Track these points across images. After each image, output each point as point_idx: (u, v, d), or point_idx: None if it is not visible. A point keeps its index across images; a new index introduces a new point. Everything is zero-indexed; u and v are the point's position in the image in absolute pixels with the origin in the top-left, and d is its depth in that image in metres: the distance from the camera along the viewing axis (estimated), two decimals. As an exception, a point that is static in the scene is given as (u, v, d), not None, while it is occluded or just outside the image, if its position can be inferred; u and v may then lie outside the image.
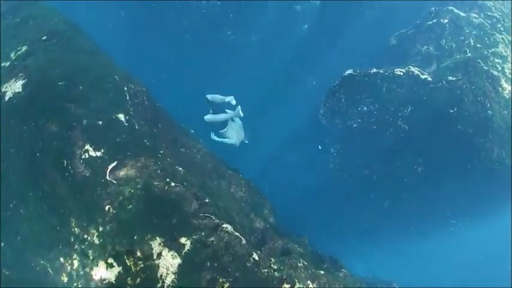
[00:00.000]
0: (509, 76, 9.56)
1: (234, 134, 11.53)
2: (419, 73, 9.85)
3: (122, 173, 6.85)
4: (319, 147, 12.47)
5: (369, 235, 13.25)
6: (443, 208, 11.10)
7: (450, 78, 9.59)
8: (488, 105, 9.19)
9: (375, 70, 10.29)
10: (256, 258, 6.76)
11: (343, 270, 8.69)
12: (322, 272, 7.47)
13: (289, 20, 14.18)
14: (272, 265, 6.77)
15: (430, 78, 9.76)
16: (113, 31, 14.22)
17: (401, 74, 9.95)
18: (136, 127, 7.37)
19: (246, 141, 12.34)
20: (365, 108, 10.44)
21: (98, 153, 6.83)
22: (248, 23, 14.03)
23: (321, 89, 12.39)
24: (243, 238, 6.97)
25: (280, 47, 14.17)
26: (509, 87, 9.38)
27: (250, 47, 14.34)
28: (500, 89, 9.37)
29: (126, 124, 7.25)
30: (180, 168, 7.79)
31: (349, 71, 10.56)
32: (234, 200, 8.67)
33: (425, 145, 10.11)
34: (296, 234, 10.14)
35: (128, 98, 7.71)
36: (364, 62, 11.95)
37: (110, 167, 6.84)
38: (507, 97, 9.29)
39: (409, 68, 9.97)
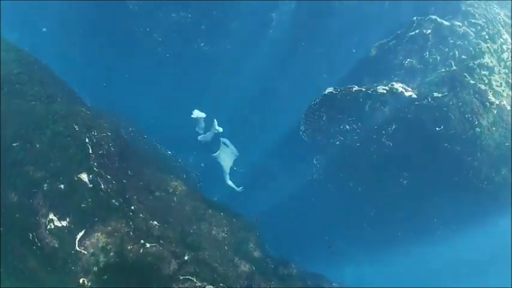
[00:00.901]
0: (497, 89, 9.18)
1: (227, 157, 12.29)
2: (404, 90, 9.38)
3: (92, 241, 6.27)
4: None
5: (357, 241, 13.15)
6: (430, 215, 10.91)
7: (436, 94, 9.17)
8: (476, 122, 8.84)
9: (356, 88, 9.77)
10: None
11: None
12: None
13: (264, 27, 13.49)
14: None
15: (414, 95, 9.31)
16: (80, 50, 13.42)
17: (385, 91, 9.46)
18: (102, 186, 6.71)
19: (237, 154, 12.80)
20: (347, 127, 10.00)
21: (64, 223, 6.23)
22: (221, 32, 13.31)
23: (300, 97, 11.95)
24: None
25: (256, 54, 13.53)
26: (497, 101, 9.02)
27: (225, 57, 13.70)
28: (488, 104, 9.01)
29: (91, 185, 6.59)
30: (155, 223, 7.24)
31: (330, 89, 9.99)
32: (216, 243, 8.17)
33: (411, 160, 9.80)
34: (283, 260, 9.87)
35: (90, 151, 6.99)
36: (343, 71, 11.45)
37: (79, 237, 6.27)
38: (495, 112, 8.94)
39: (393, 85, 9.49)
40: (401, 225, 11.49)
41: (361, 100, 9.73)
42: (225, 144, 12.65)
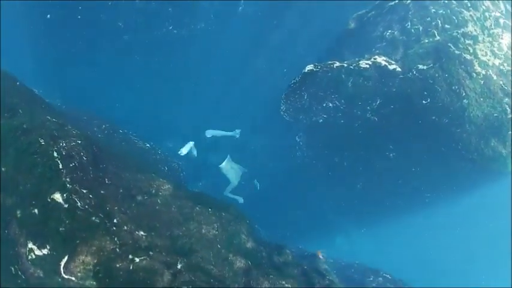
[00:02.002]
0: (483, 59, 8.93)
1: (233, 172, 12.60)
2: (387, 63, 9.02)
3: (77, 265, 5.89)
4: None
5: (347, 212, 13.27)
6: (417, 185, 10.96)
7: (421, 67, 8.84)
8: (464, 93, 8.60)
9: (338, 64, 9.34)
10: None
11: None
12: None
13: (234, 3, 12.78)
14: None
15: (399, 69, 8.98)
16: (40, 44, 12.49)
17: (368, 66, 9.08)
18: (79, 204, 6.21)
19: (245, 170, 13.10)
20: (330, 105, 9.64)
21: (45, 251, 5.79)
22: (190, 13, 12.55)
23: (279, 74, 11.57)
24: (227, 303, 6.41)
25: (229, 33, 12.92)
26: (483, 72, 8.79)
27: (195, 38, 13.05)
28: (474, 74, 8.74)
29: (66, 205, 6.10)
30: (142, 233, 6.86)
31: (310, 67, 9.53)
32: (208, 243, 7.89)
33: (397, 134, 9.63)
34: (277, 246, 9.80)
35: (60, 166, 6.44)
36: (321, 45, 10.99)
37: (63, 263, 5.86)
38: (482, 82, 8.73)
39: (375, 59, 9.10)
40: (389, 196, 11.56)
41: (343, 76, 9.34)
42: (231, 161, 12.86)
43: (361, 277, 10.20)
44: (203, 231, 8.07)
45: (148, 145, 11.19)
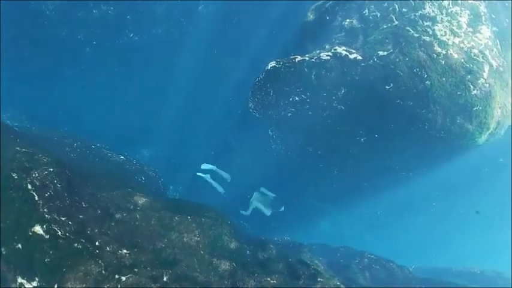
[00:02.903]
0: (442, 39, 9.49)
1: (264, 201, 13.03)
2: (347, 53, 9.55)
3: (67, 293, 6.42)
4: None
5: (328, 197, 13.95)
6: (391, 164, 11.60)
7: (381, 53, 9.38)
8: (425, 75, 9.15)
9: (299, 58, 9.83)
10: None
11: (319, 279, 9.01)
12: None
13: (193, 3, 13.05)
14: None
15: (359, 57, 9.51)
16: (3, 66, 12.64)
17: (329, 58, 9.60)
18: (60, 233, 6.69)
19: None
20: (297, 98, 10.15)
21: (34, 283, 6.27)
22: (149, 18, 12.80)
23: (244, 70, 11.97)
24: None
25: (188, 33, 13.22)
26: (444, 52, 9.36)
27: (157, 43, 13.32)
28: (435, 55, 9.29)
29: (47, 236, 6.57)
30: (125, 251, 7.37)
31: (272, 64, 10.01)
32: (191, 250, 8.42)
33: (365, 120, 10.20)
34: (261, 242, 10.39)
35: (37, 198, 6.89)
36: (284, 39, 11.42)
37: (54, 293, 6.38)
38: (443, 62, 9.32)
39: (336, 50, 9.61)
40: (365, 178, 12.24)
41: (306, 70, 9.85)
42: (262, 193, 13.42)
43: (347, 261, 10.90)
44: (185, 239, 8.60)
45: (122, 157, 11.54)
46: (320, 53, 9.77)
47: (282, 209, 13.97)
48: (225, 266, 8.45)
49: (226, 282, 8.01)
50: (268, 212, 13.43)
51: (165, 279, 7.19)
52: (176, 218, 8.88)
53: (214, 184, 13.93)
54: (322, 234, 14.35)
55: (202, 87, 14.24)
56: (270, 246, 9.89)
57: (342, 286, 8.47)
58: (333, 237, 14.19)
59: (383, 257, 11.39)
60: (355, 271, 10.10)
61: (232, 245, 9.51)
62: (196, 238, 8.76)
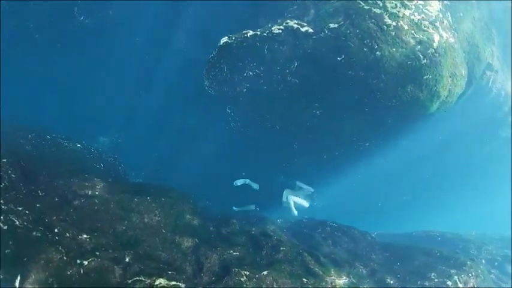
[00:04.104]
0: (392, 11, 10.09)
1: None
2: (299, 26, 10.07)
3: (31, 282, 6.74)
4: None
5: (293, 172, 14.62)
6: (349, 136, 12.27)
7: (332, 25, 9.93)
8: (376, 46, 9.76)
9: (251, 33, 10.29)
10: (202, 296, 7.50)
11: (281, 248, 9.69)
12: (265, 272, 8.37)
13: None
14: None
15: (311, 30, 10.04)
16: None
17: (280, 31, 10.10)
18: (17, 223, 7.09)
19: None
20: (250, 73, 10.63)
21: (-6, 275, 6.67)
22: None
23: (198, 48, 12.27)
24: (180, 283, 7.60)
25: (139, 12, 13.32)
26: (394, 23, 9.97)
27: (109, 24, 13.36)
28: (385, 27, 9.86)
29: (5, 227, 6.95)
30: (85, 236, 7.82)
31: (225, 39, 10.44)
32: (153, 230, 8.94)
33: (319, 92, 10.78)
34: (225, 218, 11.01)
35: (-8, 189, 7.24)
36: (237, 14, 11.75)
37: (17, 285, 6.72)
38: (393, 34, 9.96)
39: (287, 23, 10.11)
40: (325, 150, 12.99)
41: (258, 44, 10.33)
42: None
43: (310, 231, 11.69)
44: (146, 220, 9.11)
45: (79, 145, 11.81)
46: (272, 27, 10.25)
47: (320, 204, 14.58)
48: (187, 243, 9.01)
49: (189, 258, 8.56)
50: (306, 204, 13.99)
51: (127, 259, 7.66)
52: (135, 199, 9.34)
53: (252, 184, 14.35)
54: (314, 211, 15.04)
55: (156, 68, 14.44)
56: (233, 221, 10.54)
57: (304, 253, 9.25)
58: (303, 211, 14.88)
59: (345, 224, 12.25)
60: (318, 239, 10.89)
61: (195, 223, 10.09)
62: (157, 218, 9.27)
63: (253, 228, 10.49)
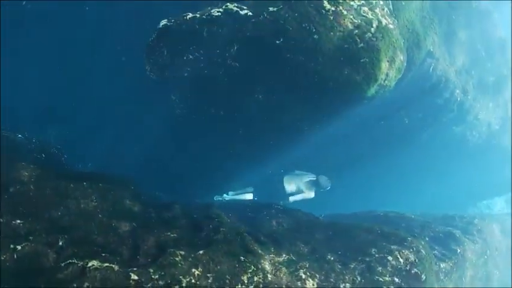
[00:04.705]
0: (332, -4, 10.42)
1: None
2: (238, 9, 10.30)
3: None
4: None
5: (239, 157, 14.91)
6: (291, 119, 12.64)
7: (271, 9, 10.20)
8: (314, 30, 10.12)
9: (190, 15, 10.45)
10: (136, 277, 7.69)
11: (221, 229, 9.92)
12: (201, 251, 8.59)
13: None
14: (153, 275, 7.78)
15: (250, 13, 10.30)
16: None
17: (220, 14, 10.32)
18: None
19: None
20: (191, 56, 10.80)
21: None
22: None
23: (138, 32, 12.28)
24: (114, 265, 7.75)
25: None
26: (333, 8, 10.30)
27: (47, 7, 13.18)
28: (324, 11, 10.21)
29: None
30: (18, 221, 7.87)
31: (164, 22, 10.54)
32: (89, 216, 9.01)
33: (260, 76, 11.06)
34: (167, 204, 11.17)
35: None
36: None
37: None
38: (332, 18, 10.34)
39: (227, 6, 10.31)
40: (270, 134, 13.35)
41: (197, 27, 10.51)
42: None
43: (255, 213, 12.03)
44: (82, 205, 9.18)
45: (20, 136, 11.67)
46: (211, 9, 10.45)
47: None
48: (125, 227, 9.17)
49: (126, 242, 8.72)
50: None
51: (60, 243, 7.74)
52: (72, 185, 9.37)
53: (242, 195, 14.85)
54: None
55: (98, 55, 14.36)
56: (175, 206, 10.71)
57: (245, 233, 9.54)
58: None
59: (290, 207, 12.67)
60: (262, 221, 11.24)
61: (136, 208, 10.23)
62: (93, 203, 9.36)
63: (196, 212, 10.70)
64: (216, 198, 15.98)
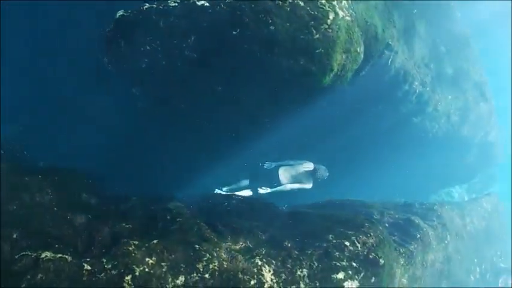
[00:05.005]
0: (290, -13, 10.40)
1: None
2: (195, 0, 10.27)
3: None
4: None
5: (202, 149, 14.88)
6: (252, 112, 12.76)
7: (228, 0, 10.25)
8: (270, 21, 10.12)
9: (147, 6, 10.36)
10: (89, 267, 7.62)
11: (178, 219, 9.81)
12: (155, 241, 8.50)
13: None
14: (106, 265, 7.71)
15: (207, 4, 10.24)
16: None
17: (176, 4, 10.24)
18: None
19: None
20: (148, 47, 10.67)
21: None
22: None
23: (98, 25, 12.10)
24: (67, 256, 7.66)
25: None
26: (291, 0, 10.25)
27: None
28: (280, 2, 10.17)
29: None
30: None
31: (121, 12, 10.44)
32: (43, 208, 8.87)
33: (217, 67, 11.05)
34: (124, 197, 11.06)
35: None
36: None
37: None
38: (288, 9, 10.33)
39: (184, -4, 10.32)
40: (232, 127, 13.36)
41: (154, 17, 10.42)
42: None
43: (216, 205, 12.02)
44: (37, 198, 9.02)
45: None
46: (169, 0, 10.36)
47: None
48: (80, 219, 9.09)
49: (81, 234, 8.62)
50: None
51: (15, 236, 7.60)
52: (26, 178, 9.19)
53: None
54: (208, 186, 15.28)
55: (59, 48, 14.07)
56: (132, 199, 10.62)
57: (202, 223, 9.52)
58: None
59: (251, 197, 12.69)
60: (222, 212, 11.23)
61: (93, 201, 10.11)
62: (49, 196, 9.19)
63: (155, 205, 10.62)
64: (217, 191, 15.86)
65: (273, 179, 15.14)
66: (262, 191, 14.72)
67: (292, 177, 15.25)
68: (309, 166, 15.46)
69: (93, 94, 14.44)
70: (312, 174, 15.20)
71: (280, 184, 14.95)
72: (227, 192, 15.48)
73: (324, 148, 16.81)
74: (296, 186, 15.02)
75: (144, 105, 12.81)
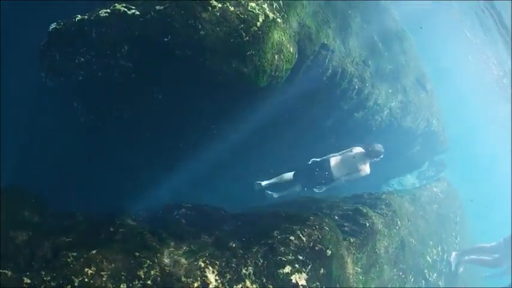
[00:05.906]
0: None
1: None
2: (126, 9, 10.15)
3: None
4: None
5: (151, 164, 14.61)
6: (196, 118, 12.76)
7: (158, 7, 10.12)
8: (200, 26, 10.13)
9: (79, 17, 10.19)
10: (29, 280, 7.37)
11: (120, 230, 9.55)
12: (94, 251, 8.20)
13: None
14: (45, 277, 7.46)
15: (138, 12, 10.16)
16: None
17: (107, 14, 10.11)
18: None
19: None
20: (82, 59, 10.49)
21: None
22: None
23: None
24: (7, 271, 7.38)
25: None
26: (220, 5, 10.30)
27: None
28: (210, 8, 10.22)
29: None
30: None
31: (53, 25, 10.23)
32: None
33: (154, 75, 10.96)
34: (69, 213, 10.67)
35: None
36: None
37: None
38: (218, 14, 10.28)
39: (115, 6, 10.12)
40: (178, 136, 13.20)
41: (86, 28, 10.25)
42: None
43: (166, 215, 11.80)
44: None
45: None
46: (99, 10, 10.25)
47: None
48: (22, 237, 8.73)
49: (23, 250, 8.30)
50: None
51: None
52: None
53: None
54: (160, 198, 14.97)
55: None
56: (76, 214, 10.29)
57: (145, 232, 9.30)
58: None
59: (200, 204, 12.52)
60: (171, 221, 11.04)
61: (36, 219, 9.75)
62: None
63: (100, 219, 10.30)
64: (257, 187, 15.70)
65: (323, 175, 14.46)
66: (317, 190, 14.14)
67: (346, 167, 14.59)
68: (359, 149, 14.75)
69: (38, 111, 13.97)
70: (366, 156, 14.49)
71: (334, 178, 14.31)
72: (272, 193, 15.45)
73: (272, 148, 16.85)
74: (354, 176, 14.38)
75: (87, 119, 12.48)
